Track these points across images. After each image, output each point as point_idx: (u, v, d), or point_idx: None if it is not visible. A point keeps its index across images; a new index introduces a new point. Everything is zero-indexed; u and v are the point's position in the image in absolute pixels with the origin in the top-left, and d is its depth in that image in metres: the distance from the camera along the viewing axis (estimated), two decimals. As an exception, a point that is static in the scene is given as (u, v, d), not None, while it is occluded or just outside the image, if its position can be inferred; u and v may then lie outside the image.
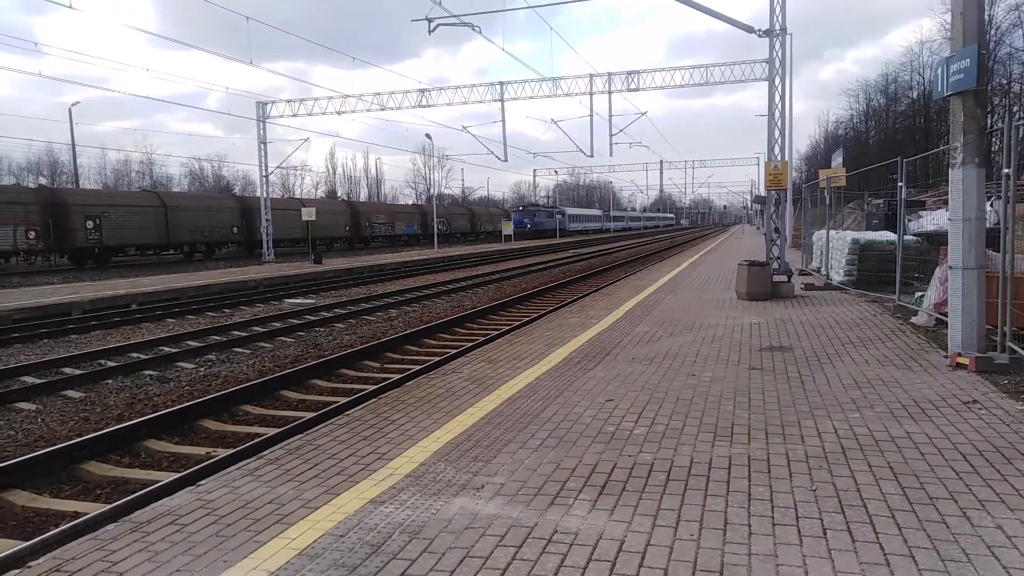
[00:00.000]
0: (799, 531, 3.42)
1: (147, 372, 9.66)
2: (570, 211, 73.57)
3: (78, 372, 9.60)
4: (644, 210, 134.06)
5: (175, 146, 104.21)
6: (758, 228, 75.42)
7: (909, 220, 14.58)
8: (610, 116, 28.21)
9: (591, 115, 27.48)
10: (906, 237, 11.08)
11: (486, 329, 13.01)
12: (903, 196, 10.19)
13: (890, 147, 48.38)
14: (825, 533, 3.40)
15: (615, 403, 5.64)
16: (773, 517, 3.57)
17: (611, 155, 32.17)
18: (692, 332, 8.98)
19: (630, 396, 5.84)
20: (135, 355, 10.89)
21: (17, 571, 3.30)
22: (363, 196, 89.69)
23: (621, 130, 30.02)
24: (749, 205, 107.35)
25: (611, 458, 4.44)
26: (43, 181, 62.20)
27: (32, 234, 30.26)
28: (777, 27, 15.25)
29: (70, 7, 18.88)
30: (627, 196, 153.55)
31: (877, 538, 3.35)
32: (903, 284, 10.55)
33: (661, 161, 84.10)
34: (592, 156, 28.79)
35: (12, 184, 43.75)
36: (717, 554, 3.23)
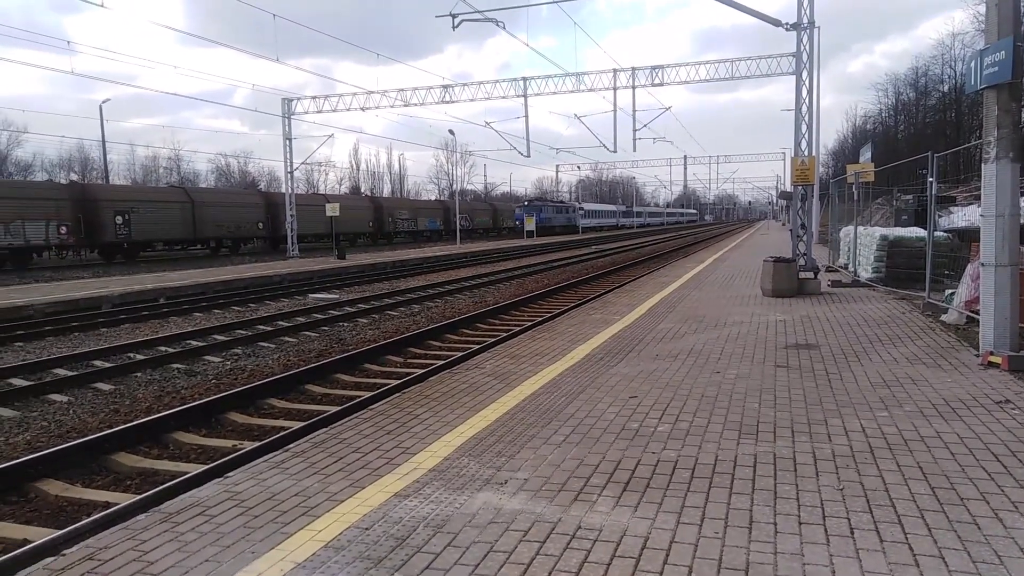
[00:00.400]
0: (826, 530, 3.39)
1: (175, 365, 9.82)
2: (585, 206, 70.88)
3: (108, 365, 9.79)
4: (668, 205, 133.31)
5: (202, 142, 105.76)
6: (783, 224, 74.57)
7: (939, 216, 14.32)
8: (634, 111, 28.03)
9: (615, 110, 27.34)
10: (936, 233, 10.89)
11: (508, 325, 13.03)
12: (934, 192, 10.01)
13: (920, 142, 47.50)
14: (853, 533, 3.36)
15: (639, 400, 5.62)
16: (799, 516, 3.54)
17: (635, 151, 31.89)
18: (716, 329, 8.92)
19: (654, 393, 5.81)
20: (163, 348, 11.07)
21: (51, 559, 3.38)
22: (386, 192, 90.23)
23: (645, 125, 29.84)
24: (775, 201, 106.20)
25: (635, 455, 4.43)
26: (74, 177, 63.46)
27: (63, 229, 30.87)
28: (805, 20, 15.04)
29: (102, 6, 19.18)
30: (650, 191, 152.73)
31: (906, 538, 3.30)
32: (933, 281, 10.37)
33: (685, 156, 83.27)
34: (615, 151, 28.64)
35: (45, 180, 44.62)
36: (742, 552, 3.21)
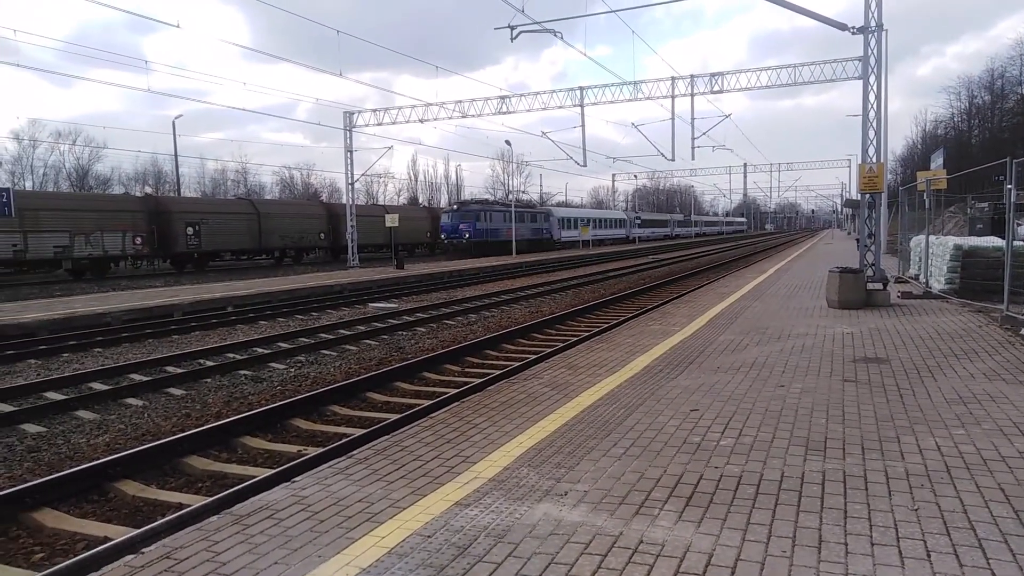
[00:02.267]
0: (900, 552, 3.27)
1: (242, 372, 10.15)
2: (561, 213, 55.20)
3: (180, 371, 10.19)
4: (727, 214, 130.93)
5: (267, 155, 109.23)
6: (849, 233, 72.24)
7: (1019, 225, 13.65)
8: (692, 119, 27.70)
9: (672, 118, 27.05)
10: (1016, 243, 10.38)
11: (565, 335, 13.01)
12: (1012, 199, 9.56)
13: (995, 147, 45.39)
14: (929, 556, 3.23)
15: (700, 413, 5.53)
16: (871, 536, 3.42)
17: (693, 158, 31.44)
18: (780, 341, 8.73)
19: (716, 406, 5.72)
20: (231, 355, 11.46)
21: (132, 556, 3.54)
22: (443, 202, 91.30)
23: (704, 133, 29.45)
24: (839, 209, 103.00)
25: (697, 469, 4.36)
26: (148, 190, 66.40)
27: (138, 240, 32.38)
28: (872, 23, 14.60)
29: (176, 26, 20.14)
30: (709, 200, 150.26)
31: (988, 564, 3.16)
32: (1012, 293, 9.89)
33: (745, 164, 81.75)
34: (673, 160, 28.32)
35: (122, 193, 46.89)
36: (811, 572, 3.12)
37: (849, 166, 75.42)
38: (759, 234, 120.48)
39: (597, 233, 59.85)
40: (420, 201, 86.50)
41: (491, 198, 69.95)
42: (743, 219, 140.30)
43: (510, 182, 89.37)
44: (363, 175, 45.19)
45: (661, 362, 7.63)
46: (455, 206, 44.63)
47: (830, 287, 12.34)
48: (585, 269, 32.23)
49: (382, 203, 70.73)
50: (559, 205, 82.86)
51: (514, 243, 42.62)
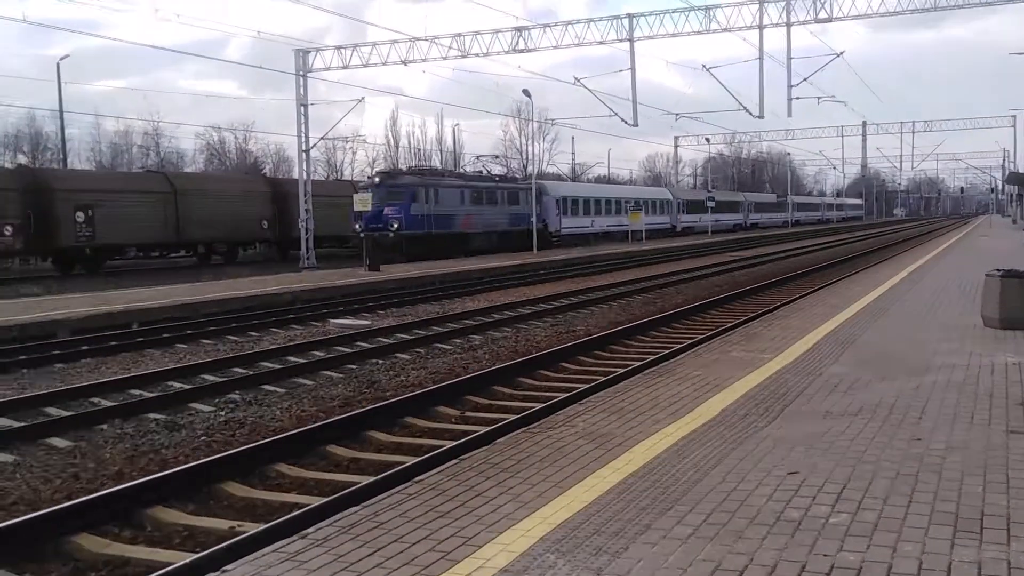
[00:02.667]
0: None
1: (152, 416, 10.22)
2: (562, 190, 53.17)
3: (65, 414, 10.27)
4: (837, 194, 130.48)
5: (187, 111, 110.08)
6: (1015, 221, 71.66)
7: None
8: (788, 60, 27.70)
9: (760, 58, 27.06)
10: None
11: (608, 364, 12.99)
12: None
13: None
14: None
15: (801, 477, 5.50)
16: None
17: (789, 115, 31.30)
18: (916, 375, 8.67)
19: (823, 467, 5.68)
20: (136, 392, 11.55)
21: None
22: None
23: (805, 79, 29.46)
24: (999, 186, 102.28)
25: (797, 556, 4.33)
26: (23, 160, 66.97)
27: (8, 229, 32.62)
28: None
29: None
30: (811, 174, 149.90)
31: None
32: None
33: (864, 123, 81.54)
34: (761, 117, 28.33)
35: (-17, 164, 47.61)
36: None
37: (1014, 125, 75.17)
38: (883, 222, 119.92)
39: (617, 223, 56.40)
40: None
41: (439, 166, 63.77)
42: (859, 201, 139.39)
43: (529, 147, 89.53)
44: (323, 139, 45.39)
45: (746, 404, 7.57)
46: (375, 178, 40.11)
47: (988, 298, 12.25)
48: (630, 272, 32.24)
49: (350, 178, 71.18)
50: (578, 180, 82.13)
51: (519, 236, 42.16)
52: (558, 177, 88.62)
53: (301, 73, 34.19)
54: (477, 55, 31.01)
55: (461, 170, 53.92)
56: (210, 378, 12.51)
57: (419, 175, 40.62)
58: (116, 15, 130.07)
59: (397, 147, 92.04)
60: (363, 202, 33.98)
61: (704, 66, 36.77)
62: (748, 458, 5.95)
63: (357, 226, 35.79)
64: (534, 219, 43.73)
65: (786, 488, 5.31)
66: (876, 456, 5.92)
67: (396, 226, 36.23)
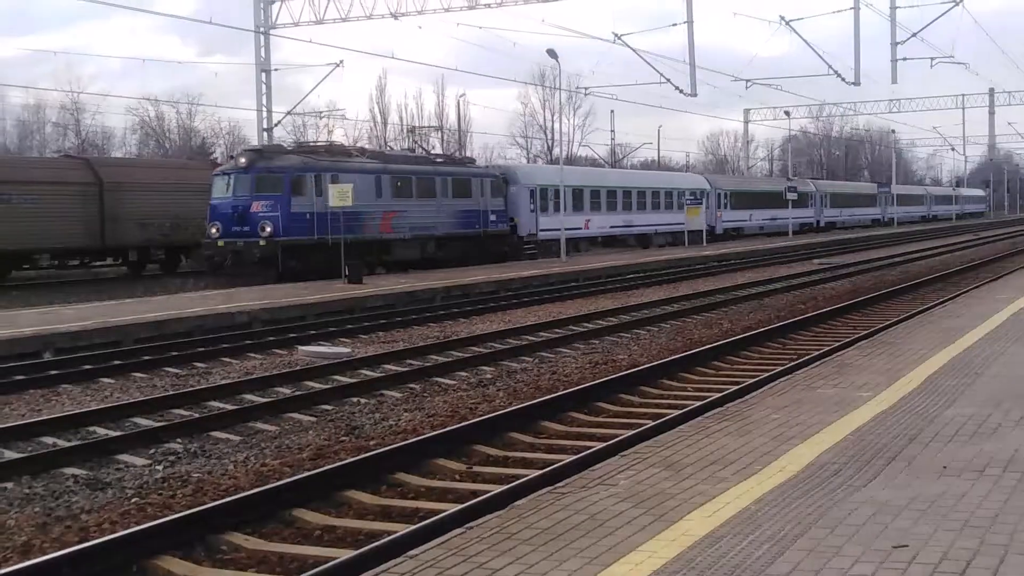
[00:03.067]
0: None
1: (69, 471, 10.19)
2: (539, 176, 48.51)
3: (-42, 467, 10.27)
4: (955, 183, 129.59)
5: (117, 79, 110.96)
6: None
7: None
8: (892, 9, 27.63)
9: (856, 7, 27.02)
10: None
11: (658, 404, 12.93)
12: None
13: None
14: None
15: (912, 553, 5.45)
16: None
17: (894, 81, 31.17)
18: (1061, 418, 8.59)
19: (942, 540, 5.62)
20: (49, 440, 11.51)
21: None
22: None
23: (914, 34, 29.38)
24: None
25: (907, 658, 4.28)
26: None
27: None
28: None
29: None
30: (922, 157, 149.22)
31: None
32: None
33: (991, 91, 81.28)
34: (858, 84, 28.29)
35: None
36: None
37: None
38: (1015, 219, 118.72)
39: (629, 223, 53.72)
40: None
41: (345, 143, 51.87)
42: (978, 191, 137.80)
43: (555, 124, 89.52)
44: (290, 114, 45.65)
45: (838, 456, 7.52)
46: (240, 158, 34.68)
47: None
48: (687, 286, 32.16)
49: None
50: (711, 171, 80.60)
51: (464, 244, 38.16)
52: (593, 162, 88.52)
53: (262, 29, 34.42)
54: (488, 5, 31.12)
55: (387, 148, 49.76)
56: (144, 422, 12.48)
57: (309, 153, 35.95)
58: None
59: (385, 124, 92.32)
60: (339, 196, 32.70)
61: (783, 18, 36.81)
62: (841, 528, 5.88)
63: (213, 230, 32.38)
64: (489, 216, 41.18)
65: (892, 567, 5.25)
66: (1012, 525, 5.85)
67: (268, 230, 31.85)
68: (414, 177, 37.88)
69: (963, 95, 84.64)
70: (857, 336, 17.34)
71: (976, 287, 26.23)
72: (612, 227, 51.55)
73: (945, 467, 7.16)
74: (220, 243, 31.57)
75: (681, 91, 34.46)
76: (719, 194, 63.80)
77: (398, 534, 7.63)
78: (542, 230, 45.35)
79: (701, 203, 57.14)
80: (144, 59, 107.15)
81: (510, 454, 10.60)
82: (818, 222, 78.12)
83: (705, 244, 54.91)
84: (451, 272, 34.46)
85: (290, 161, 34.17)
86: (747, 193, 68.73)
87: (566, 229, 46.20)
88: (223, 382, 15.10)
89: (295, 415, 12.79)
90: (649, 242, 54.27)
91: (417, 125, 47.46)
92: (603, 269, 36.19)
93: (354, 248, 32.83)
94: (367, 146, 53.02)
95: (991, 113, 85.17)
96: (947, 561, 5.33)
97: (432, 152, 44.46)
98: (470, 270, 35.40)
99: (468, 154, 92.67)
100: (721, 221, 62.59)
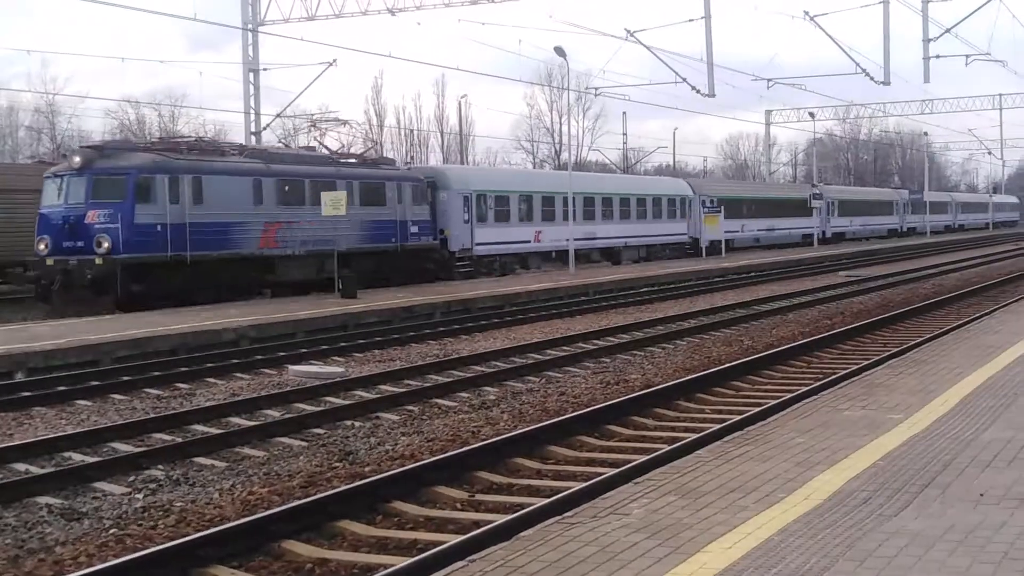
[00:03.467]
0: None
1: (43, 500, 10.19)
2: (475, 180, 44.37)
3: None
4: (992, 190, 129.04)
5: (97, 79, 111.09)
6: None
7: None
8: (925, 3, 27.68)
9: (885, 2, 27.08)
10: None
11: (674, 427, 12.92)
12: None
13: None
14: None
15: (948, 588, 5.43)
16: None
17: (926, 80, 31.20)
18: (1106, 442, 8.57)
19: (979, 574, 5.60)
20: (21, 467, 11.52)
21: None
22: (433, 163, 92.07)
23: (947, 30, 29.42)
24: None
25: None
26: None
27: None
28: None
29: None
30: (956, 162, 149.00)
31: None
32: None
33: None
34: (888, 83, 28.33)
35: None
36: None
37: None
38: None
39: (591, 235, 49.46)
40: (398, 162, 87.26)
41: (205, 136, 49.56)
42: (1012, 199, 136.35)
43: (563, 126, 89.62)
44: (279, 116, 45.74)
45: (867, 483, 7.50)
46: (75, 157, 30.32)
47: None
48: (704, 300, 32.14)
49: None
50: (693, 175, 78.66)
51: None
52: (604, 168, 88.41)
53: (250, 27, 34.49)
54: (492, 0, 31.18)
55: (279, 147, 42.91)
56: (123, 448, 12.49)
57: (166, 151, 31.74)
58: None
59: (382, 127, 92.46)
60: (332, 204, 31.31)
61: (807, 13, 36.82)
62: (870, 560, 5.86)
63: (42, 245, 28.82)
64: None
65: (926, 603, 5.24)
66: (1052, 558, 5.83)
67: (106, 246, 27.96)
68: (307, 181, 33.83)
69: (1000, 95, 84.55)
70: (887, 354, 17.29)
71: (1015, 301, 26.20)
72: (575, 240, 46.33)
73: (982, 495, 7.14)
74: (49, 261, 27.90)
75: (698, 91, 34.49)
76: (704, 201, 59.67)
77: (395, 567, 7.62)
78: (479, 244, 41.73)
79: (719, 211, 56.56)
80: (124, 59, 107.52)
81: (515, 481, 10.57)
82: (824, 233, 75.22)
83: (699, 258, 53.72)
84: (452, 286, 34.48)
85: (136, 160, 29.96)
86: (738, 200, 64.85)
87: (511, 243, 43.53)
88: (207, 404, 15.09)
89: (285, 439, 12.79)
90: (618, 257, 51.41)
91: (320, 117, 42.15)
92: (614, 282, 36.17)
93: (224, 267, 30.17)
94: (287, 144, 48.41)
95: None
96: (986, 597, 5.32)
97: (339, 151, 40.18)
98: (477, 283, 35.42)
99: (471, 160, 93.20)
100: (706, 232, 58.64)
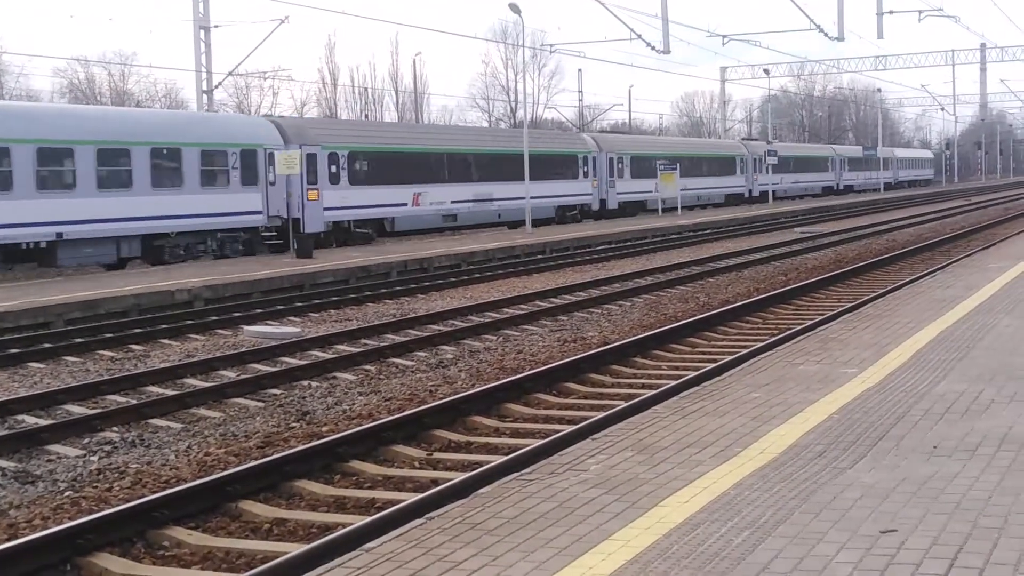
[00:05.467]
0: None
1: (-2, 463, 10.15)
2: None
3: None
4: (946, 146, 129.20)
5: (45, 40, 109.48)
6: None
7: None
8: (877, -42, 27.77)
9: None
10: None
11: (631, 384, 12.97)
12: None
13: None
14: None
15: (900, 538, 5.48)
16: None
17: (879, 36, 31.33)
18: (1057, 394, 8.67)
19: (932, 524, 5.66)
20: (-26, 430, 11.45)
21: None
22: (389, 119, 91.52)
23: (900, -15, 29.53)
24: None
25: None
26: None
27: None
28: None
29: None
30: (910, 118, 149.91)
31: None
32: None
33: (983, 46, 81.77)
34: (842, 39, 28.40)
35: None
36: None
37: None
38: (1003, 185, 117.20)
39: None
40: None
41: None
42: (925, 153, 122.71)
43: (519, 84, 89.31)
44: (232, 74, 45.25)
45: (822, 437, 7.55)
46: None
47: None
48: (661, 257, 32.25)
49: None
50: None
51: None
52: (559, 125, 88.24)
53: (200, -17, 34.06)
54: (445, -44, 30.95)
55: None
56: (76, 410, 12.42)
57: None
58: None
59: (336, 85, 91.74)
60: (285, 164, 30.97)
61: (760, -31, 36.67)
62: (825, 512, 5.91)
63: None
64: None
65: (879, 554, 5.27)
66: (1005, 507, 5.90)
67: None
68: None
69: (953, 51, 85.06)
70: (841, 309, 17.44)
71: (967, 255, 26.44)
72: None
73: (935, 447, 7.21)
74: None
75: (653, 47, 34.48)
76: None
77: (353, 526, 7.63)
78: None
79: (676, 169, 55.48)
80: (71, 16, 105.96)
81: (473, 439, 10.60)
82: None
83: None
84: (410, 244, 34.37)
85: None
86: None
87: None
88: (162, 366, 15.02)
89: (241, 400, 12.76)
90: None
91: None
92: (571, 240, 36.19)
93: None
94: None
95: (982, 70, 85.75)
96: (937, 546, 5.37)
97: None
98: (430, 241, 35.29)
99: (426, 118, 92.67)
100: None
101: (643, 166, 57.14)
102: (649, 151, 60.18)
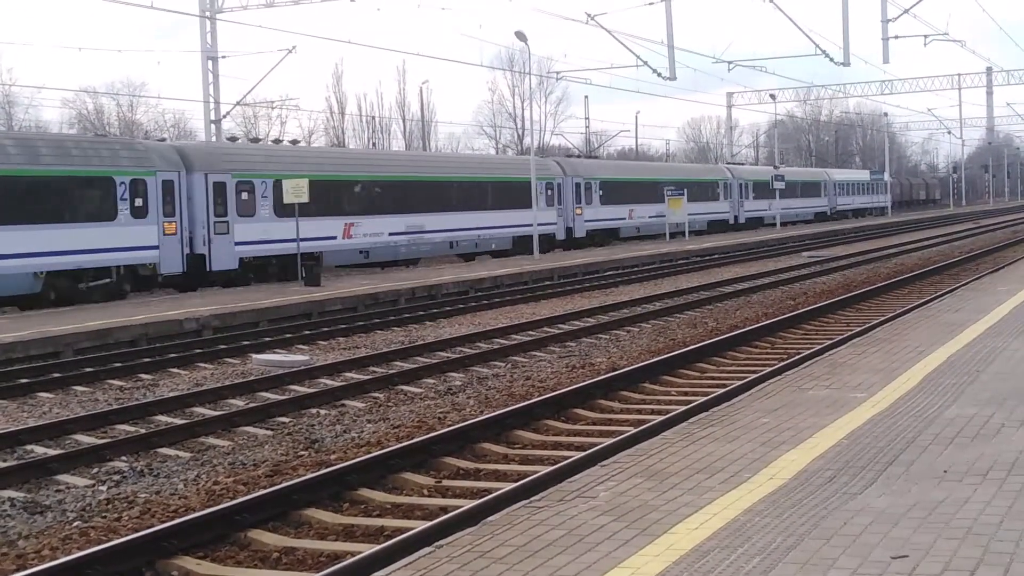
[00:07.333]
0: None
1: (5, 494, 10.12)
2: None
3: None
4: (952, 169, 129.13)
5: (54, 71, 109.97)
6: None
7: None
8: (882, -17, 27.84)
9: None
10: None
11: (639, 410, 12.95)
12: None
13: None
14: None
15: (912, 564, 5.46)
16: None
17: (885, 61, 31.42)
18: (1067, 417, 8.65)
19: (944, 550, 5.64)
20: (-17, 461, 11.44)
21: None
22: (396, 149, 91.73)
23: (906, 11, 29.59)
24: None
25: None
26: None
27: None
28: None
29: None
30: (917, 141, 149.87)
31: None
32: None
33: (989, 70, 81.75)
34: (847, 64, 28.44)
35: None
36: None
37: None
38: (1011, 207, 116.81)
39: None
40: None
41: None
42: (878, 174, 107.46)
43: (526, 111, 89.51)
44: (240, 104, 45.48)
45: (832, 462, 7.55)
46: None
47: None
48: (669, 282, 32.26)
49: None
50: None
51: None
52: (566, 152, 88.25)
53: (208, 14, 34.25)
54: (451, -15, 31.12)
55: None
56: (86, 439, 12.41)
57: None
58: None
59: (343, 114, 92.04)
60: (294, 192, 29.87)
61: (766, -5, 36.86)
62: (836, 538, 5.90)
63: None
64: None
65: (891, 579, 5.27)
66: (1015, 533, 5.88)
67: None
68: None
69: (959, 75, 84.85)
70: (850, 333, 17.39)
71: (976, 279, 26.38)
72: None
73: (946, 471, 7.19)
74: None
75: (659, 74, 34.57)
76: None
77: (362, 555, 7.61)
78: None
79: (682, 195, 54.66)
80: (81, 48, 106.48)
81: (482, 466, 10.59)
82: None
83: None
84: (418, 271, 34.38)
85: None
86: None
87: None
88: (171, 394, 15.02)
89: (249, 429, 12.76)
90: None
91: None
92: (580, 266, 36.21)
93: None
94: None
95: (989, 93, 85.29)
96: (949, 572, 5.36)
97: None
98: (438, 268, 35.31)
99: (433, 146, 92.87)
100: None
101: (615, 192, 54.28)
102: (621, 176, 57.49)
